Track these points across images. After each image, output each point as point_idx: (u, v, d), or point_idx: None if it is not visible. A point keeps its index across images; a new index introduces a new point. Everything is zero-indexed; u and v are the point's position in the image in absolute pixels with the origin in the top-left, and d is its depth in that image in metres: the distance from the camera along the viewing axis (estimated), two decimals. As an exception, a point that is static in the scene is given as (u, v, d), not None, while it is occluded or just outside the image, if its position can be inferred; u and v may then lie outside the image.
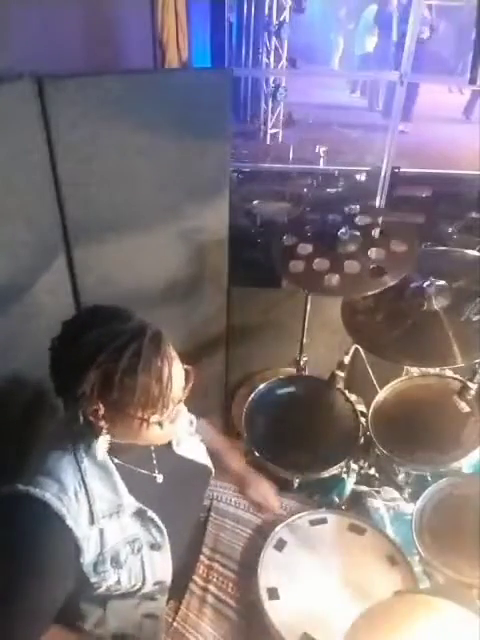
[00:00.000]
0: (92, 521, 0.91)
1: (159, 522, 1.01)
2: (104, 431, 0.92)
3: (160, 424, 0.93)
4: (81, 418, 0.90)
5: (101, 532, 0.93)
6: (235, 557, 1.24)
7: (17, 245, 1.26)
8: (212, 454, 1.28)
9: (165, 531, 1.02)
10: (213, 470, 1.25)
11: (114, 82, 1.42)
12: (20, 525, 0.87)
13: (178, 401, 0.94)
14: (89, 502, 0.91)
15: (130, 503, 0.97)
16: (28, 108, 1.25)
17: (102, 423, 0.91)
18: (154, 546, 1.01)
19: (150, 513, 1.00)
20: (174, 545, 1.05)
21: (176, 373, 0.91)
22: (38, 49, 1.50)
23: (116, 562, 0.95)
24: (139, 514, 0.99)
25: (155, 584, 1.03)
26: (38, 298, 1.37)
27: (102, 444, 0.94)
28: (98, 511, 0.92)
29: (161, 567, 1.04)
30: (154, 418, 0.91)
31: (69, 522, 0.87)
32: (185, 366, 0.95)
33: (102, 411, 0.89)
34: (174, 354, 0.92)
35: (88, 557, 0.91)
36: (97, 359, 0.84)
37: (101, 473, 0.95)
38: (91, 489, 0.92)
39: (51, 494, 0.87)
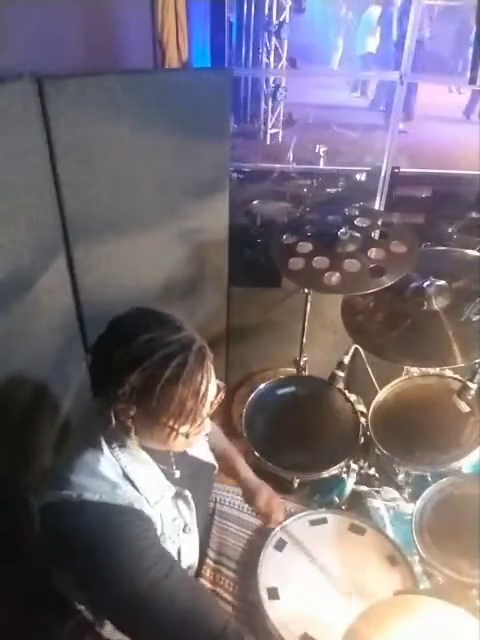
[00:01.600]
0: (150, 505, 0.94)
1: (191, 500, 1.05)
2: (131, 433, 0.94)
3: (187, 435, 0.94)
4: (112, 416, 0.91)
5: (161, 515, 0.97)
6: (235, 557, 1.24)
7: (17, 245, 1.25)
8: (221, 458, 1.31)
9: (194, 510, 1.06)
10: (217, 466, 1.27)
11: (114, 82, 1.41)
12: (93, 531, 0.87)
13: (207, 415, 0.96)
14: (139, 492, 0.94)
15: (169, 486, 1.01)
16: (28, 108, 1.24)
17: (129, 423, 0.92)
18: (186, 528, 1.05)
19: (185, 492, 1.04)
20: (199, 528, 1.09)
21: (211, 388, 0.93)
22: (38, 49, 1.49)
23: (172, 540, 1.00)
24: (175, 497, 1.02)
25: (186, 568, 1.06)
26: (38, 298, 1.37)
27: (131, 444, 0.96)
28: (151, 498, 0.95)
29: (191, 550, 1.08)
30: (183, 429, 0.93)
31: (136, 505, 0.90)
32: (218, 382, 0.97)
33: (133, 413, 0.90)
34: (212, 370, 0.94)
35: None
36: (144, 363, 0.85)
37: (140, 465, 0.97)
38: (136, 481, 0.94)
39: (104, 493, 0.89)
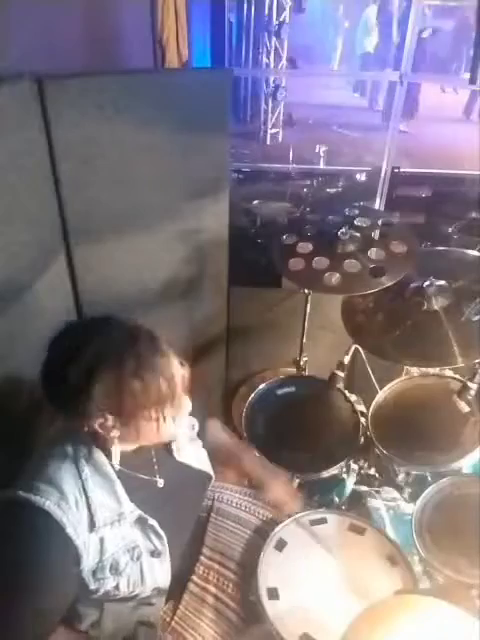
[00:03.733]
0: (92, 529, 0.91)
1: (159, 529, 1.01)
2: (115, 440, 0.93)
3: (173, 418, 0.95)
4: (86, 429, 0.90)
5: (101, 540, 0.93)
6: (235, 557, 1.23)
7: (17, 245, 1.25)
8: (226, 455, 1.30)
9: (165, 538, 1.02)
10: (213, 476, 1.25)
11: (114, 82, 1.41)
12: (19, 533, 0.86)
13: (182, 391, 0.96)
14: (90, 510, 0.91)
15: (131, 511, 0.97)
16: (28, 108, 1.24)
17: (113, 433, 0.91)
18: (154, 553, 1.02)
19: (151, 521, 1.00)
20: (173, 549, 1.05)
21: (175, 364, 0.93)
22: (38, 49, 1.49)
23: (115, 569, 0.95)
24: (140, 522, 0.99)
25: (154, 590, 1.04)
26: (38, 298, 1.37)
27: (115, 454, 0.95)
28: (99, 519, 0.92)
29: (160, 573, 1.04)
30: (168, 412, 0.93)
31: (69, 530, 0.87)
32: (178, 359, 0.97)
33: (110, 422, 0.89)
34: (167, 346, 0.94)
35: (88, 564, 0.91)
36: (98, 373, 0.84)
37: (102, 481, 0.94)
38: (92, 497, 0.92)
39: (51, 502, 0.87)
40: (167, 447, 1.12)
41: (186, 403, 0.99)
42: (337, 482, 1.62)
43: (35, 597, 0.85)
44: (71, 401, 0.87)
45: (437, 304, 1.54)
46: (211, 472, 1.24)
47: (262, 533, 1.28)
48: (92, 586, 0.93)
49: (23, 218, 1.27)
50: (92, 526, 0.91)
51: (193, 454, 1.19)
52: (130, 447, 1.00)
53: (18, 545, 0.86)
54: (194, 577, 1.19)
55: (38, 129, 1.29)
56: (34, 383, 1.24)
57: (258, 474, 1.34)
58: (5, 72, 1.19)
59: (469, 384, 1.57)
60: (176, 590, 1.15)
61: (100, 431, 0.90)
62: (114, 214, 1.58)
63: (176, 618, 1.13)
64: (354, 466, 1.65)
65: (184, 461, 1.15)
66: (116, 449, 0.95)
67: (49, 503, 0.87)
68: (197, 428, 1.24)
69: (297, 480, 1.55)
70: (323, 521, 1.30)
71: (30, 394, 1.35)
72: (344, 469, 1.60)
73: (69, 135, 1.36)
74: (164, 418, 0.92)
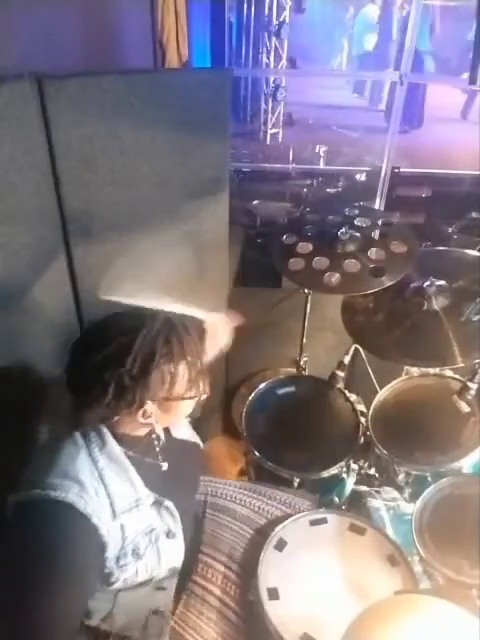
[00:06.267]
0: (114, 517, 0.93)
1: (174, 510, 1.04)
2: (156, 426, 0.98)
3: (205, 390, 1.00)
4: (114, 419, 0.94)
5: (122, 527, 0.94)
6: (235, 557, 1.24)
7: (17, 245, 1.25)
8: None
9: (178, 517, 1.05)
10: (201, 444, 1.28)
11: (114, 82, 1.41)
12: (48, 530, 0.87)
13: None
14: (109, 498, 0.93)
15: (147, 495, 0.99)
16: (28, 108, 1.24)
17: (150, 420, 0.95)
18: (169, 534, 1.04)
19: (167, 502, 1.03)
20: (184, 527, 1.08)
21: (200, 343, 1.00)
22: (38, 49, 1.50)
23: (136, 554, 0.97)
24: (156, 505, 1.01)
25: (168, 570, 1.06)
26: (38, 298, 1.37)
27: (127, 441, 0.99)
28: (118, 506, 0.93)
29: (175, 553, 1.07)
30: (203, 388, 0.98)
31: (94, 520, 0.88)
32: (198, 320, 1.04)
33: (150, 408, 0.93)
34: (189, 328, 0.98)
35: (112, 552, 0.93)
36: (152, 362, 0.89)
37: (117, 469, 0.96)
38: (109, 486, 0.93)
39: (72, 494, 0.88)
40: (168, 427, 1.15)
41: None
42: (337, 482, 1.62)
43: (69, 590, 0.86)
44: (121, 394, 0.89)
45: (437, 304, 1.54)
46: (199, 441, 1.28)
47: (262, 532, 1.28)
48: (115, 574, 0.95)
49: (23, 218, 1.27)
50: (113, 513, 0.92)
51: (183, 428, 1.22)
52: (141, 432, 1.01)
53: (48, 542, 0.86)
54: (195, 577, 1.20)
55: (38, 129, 1.29)
56: (34, 382, 1.24)
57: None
58: (5, 72, 1.19)
59: (469, 384, 1.58)
60: (176, 588, 1.15)
61: (138, 419, 0.93)
62: (114, 214, 1.58)
63: (176, 618, 1.13)
64: (354, 466, 1.65)
65: (179, 437, 1.18)
66: (129, 435, 0.98)
67: (71, 496, 0.87)
68: None
69: (297, 480, 1.55)
70: (323, 521, 1.30)
71: (30, 393, 1.35)
72: (344, 469, 1.60)
73: (69, 135, 1.36)
74: (200, 394, 0.98)
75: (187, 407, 1.01)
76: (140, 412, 0.93)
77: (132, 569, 0.97)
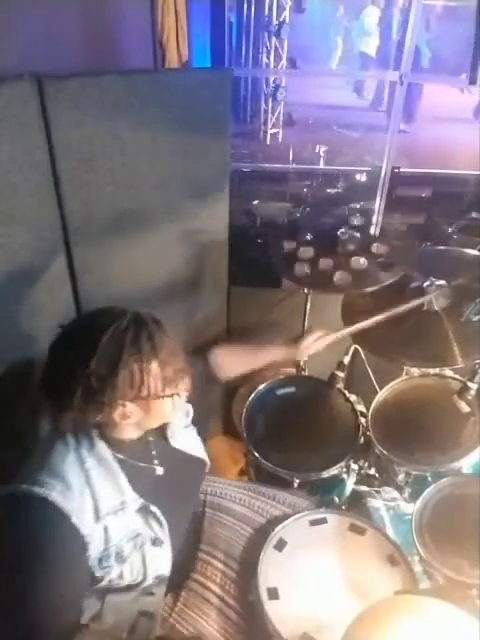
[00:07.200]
0: (97, 518, 0.92)
1: (161, 517, 1.03)
2: (125, 428, 0.97)
3: (185, 390, 0.98)
4: (97, 420, 0.92)
5: (105, 529, 0.94)
6: (235, 556, 1.24)
7: (17, 245, 1.26)
8: (247, 362, 1.36)
9: (166, 526, 1.04)
10: (208, 462, 1.26)
11: (114, 82, 1.41)
12: (26, 525, 0.87)
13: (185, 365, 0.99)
14: (94, 500, 0.92)
15: (134, 499, 0.99)
16: (28, 108, 1.25)
17: (130, 420, 0.93)
18: (156, 541, 1.02)
19: (153, 508, 1.01)
20: (173, 538, 1.06)
21: (176, 342, 0.97)
22: (38, 49, 1.50)
23: (120, 557, 0.96)
24: (142, 510, 1.00)
25: (155, 578, 1.05)
26: (38, 298, 1.37)
27: (117, 443, 0.98)
28: (102, 508, 0.93)
29: (162, 561, 1.05)
30: (182, 386, 0.97)
31: (74, 520, 0.88)
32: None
33: (128, 408, 0.91)
34: (164, 327, 0.96)
35: (93, 553, 0.92)
36: (121, 362, 0.86)
37: (105, 471, 0.96)
38: (95, 487, 0.93)
39: (56, 493, 0.88)
40: (163, 434, 1.14)
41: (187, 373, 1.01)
42: (337, 482, 1.62)
43: (48, 586, 0.86)
44: (89, 396, 0.87)
45: (437, 304, 1.54)
46: (206, 458, 1.26)
47: (262, 532, 1.28)
48: (98, 574, 0.94)
49: (23, 218, 1.27)
50: (97, 515, 0.92)
51: (187, 440, 1.20)
52: (132, 435, 1.01)
53: (26, 537, 0.87)
54: (194, 574, 1.19)
55: (38, 129, 1.29)
56: (34, 382, 1.24)
57: (284, 349, 1.41)
58: (5, 72, 1.19)
59: (469, 384, 1.57)
60: (175, 584, 1.15)
61: (117, 420, 0.92)
62: (114, 214, 1.58)
63: (174, 614, 1.13)
64: (354, 466, 1.64)
65: (179, 447, 1.17)
66: (102, 446, 0.96)
67: (54, 494, 0.87)
68: (191, 414, 1.25)
69: (297, 480, 1.55)
70: (323, 521, 1.30)
71: (30, 393, 1.35)
72: (344, 469, 1.60)
73: (69, 135, 1.36)
74: (179, 394, 0.96)
75: (169, 406, 0.98)
76: (117, 412, 0.90)
77: (115, 572, 0.96)
